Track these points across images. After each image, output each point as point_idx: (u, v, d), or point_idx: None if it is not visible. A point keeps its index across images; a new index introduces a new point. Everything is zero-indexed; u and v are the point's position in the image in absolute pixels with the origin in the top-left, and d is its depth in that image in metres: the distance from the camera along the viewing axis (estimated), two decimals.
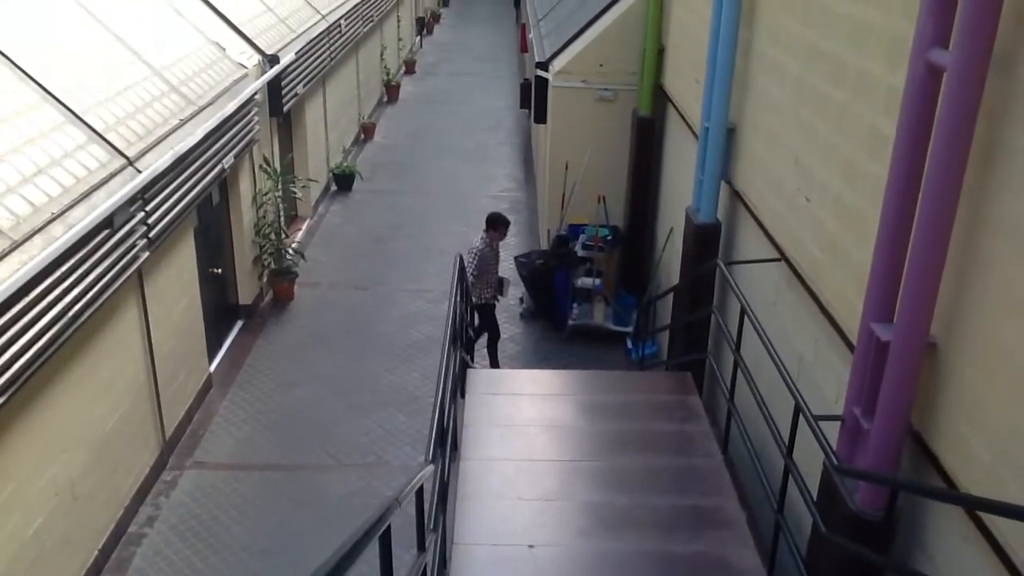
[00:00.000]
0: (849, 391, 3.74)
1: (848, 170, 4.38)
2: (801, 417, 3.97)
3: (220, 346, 9.25)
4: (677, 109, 8.72)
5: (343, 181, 14.28)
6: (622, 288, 10.21)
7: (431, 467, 3.85)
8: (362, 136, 17.07)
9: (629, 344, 9.52)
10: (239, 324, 9.78)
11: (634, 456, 5.28)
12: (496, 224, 8.72)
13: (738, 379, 5.33)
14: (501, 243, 8.99)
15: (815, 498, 3.99)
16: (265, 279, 10.36)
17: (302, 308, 10.48)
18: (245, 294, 9.88)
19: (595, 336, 9.72)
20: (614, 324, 9.74)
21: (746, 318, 5.08)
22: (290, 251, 10.70)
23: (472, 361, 8.21)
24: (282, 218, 10.73)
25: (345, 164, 14.57)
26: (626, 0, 9.90)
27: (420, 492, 3.63)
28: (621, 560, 4.38)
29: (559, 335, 9.83)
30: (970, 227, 3.19)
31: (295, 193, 11.85)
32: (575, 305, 9.79)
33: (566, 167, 10.15)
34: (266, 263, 10.26)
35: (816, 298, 4.73)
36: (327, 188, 14.07)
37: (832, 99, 4.59)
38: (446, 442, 4.42)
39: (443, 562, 4.10)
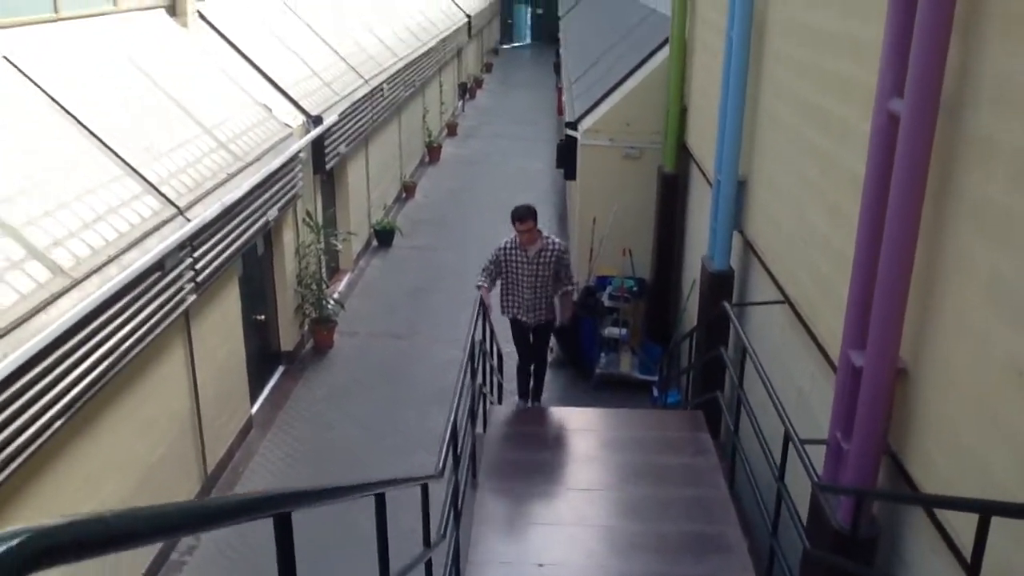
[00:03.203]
0: (832, 415, 4.01)
1: (834, 213, 4.69)
2: (792, 443, 4.23)
3: (262, 389, 9.69)
4: (698, 165, 9.10)
5: (384, 236, 14.83)
6: (648, 338, 10.49)
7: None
8: (403, 194, 17.70)
9: (655, 392, 9.76)
10: (280, 369, 10.23)
11: (645, 487, 5.55)
12: (511, 216, 7.19)
13: (755, 415, 5.60)
14: (539, 248, 7.21)
15: (805, 519, 4.22)
16: (306, 327, 10.84)
17: (341, 355, 10.91)
18: (287, 341, 10.35)
19: (622, 384, 9.98)
20: (640, 373, 10.00)
21: (748, 356, 5.36)
22: (331, 301, 11.18)
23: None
24: (323, 269, 11.25)
25: (386, 220, 15.15)
26: (651, 63, 10.40)
27: (426, 492, 3.96)
28: None
29: (587, 383, 10.11)
30: (930, 261, 3.49)
31: (336, 246, 12.38)
32: (602, 354, 10.08)
33: (593, 221, 10.54)
34: (307, 312, 10.74)
35: (812, 335, 5.00)
36: (368, 243, 14.63)
37: (821, 148, 4.93)
38: (460, 459, 4.75)
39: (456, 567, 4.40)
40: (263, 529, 1.98)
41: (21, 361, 4.79)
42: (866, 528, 3.77)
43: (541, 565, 4.71)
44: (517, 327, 7.57)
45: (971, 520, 2.72)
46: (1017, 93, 2.88)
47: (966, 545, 3.09)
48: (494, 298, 7.40)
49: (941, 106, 3.29)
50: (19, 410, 4.82)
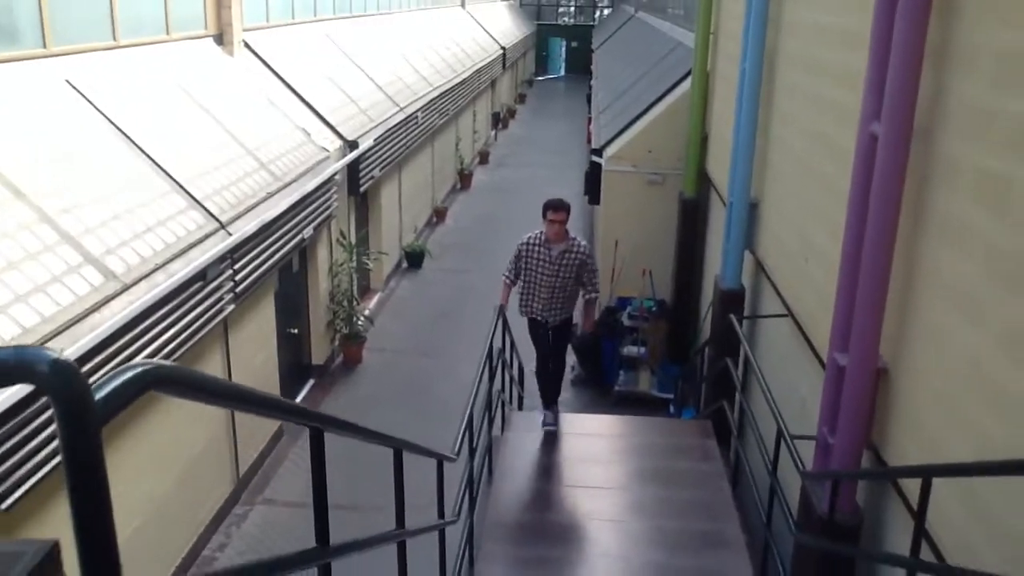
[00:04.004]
0: (820, 413, 4.31)
1: (834, 231, 5.00)
2: (783, 439, 4.54)
3: (293, 399, 10.09)
4: (716, 191, 9.43)
5: (414, 259, 15.28)
6: (667, 358, 10.77)
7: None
8: (434, 219, 18.17)
9: (671, 410, 10.03)
10: (311, 382, 10.64)
11: (652, 488, 5.86)
12: (544, 208, 6.82)
13: (757, 421, 5.90)
14: (567, 247, 6.74)
15: (796, 510, 4.51)
16: (337, 342, 11.26)
17: (369, 371, 11.31)
18: (318, 354, 10.77)
19: (640, 402, 10.26)
20: (658, 391, 10.28)
21: (751, 365, 5.66)
22: (361, 318, 11.61)
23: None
24: (355, 287, 11.69)
25: (416, 243, 15.61)
26: (674, 93, 10.79)
27: (441, 468, 4.33)
28: (631, 568, 4.94)
29: (606, 400, 10.40)
30: (906, 270, 3.80)
31: (368, 265, 12.84)
32: (621, 372, 10.38)
33: (616, 244, 10.90)
34: (338, 328, 11.17)
35: (812, 346, 5.30)
36: (398, 264, 15.08)
37: (821, 170, 5.27)
38: (475, 445, 5.15)
39: (471, 560, 4.75)
40: (290, 531, 2.37)
41: (76, 356, 5.23)
42: (849, 516, 4.06)
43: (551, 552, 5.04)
44: (534, 325, 7.09)
45: (942, 522, 3.02)
46: (977, 119, 3.21)
47: (934, 526, 3.39)
48: (513, 298, 7.16)
49: (915, 129, 3.62)
50: None
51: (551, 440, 6.70)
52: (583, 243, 6.85)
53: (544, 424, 7.01)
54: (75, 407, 0.85)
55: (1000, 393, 2.90)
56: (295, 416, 2.18)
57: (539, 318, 6.95)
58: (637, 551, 5.18)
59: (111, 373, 1.00)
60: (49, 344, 5.19)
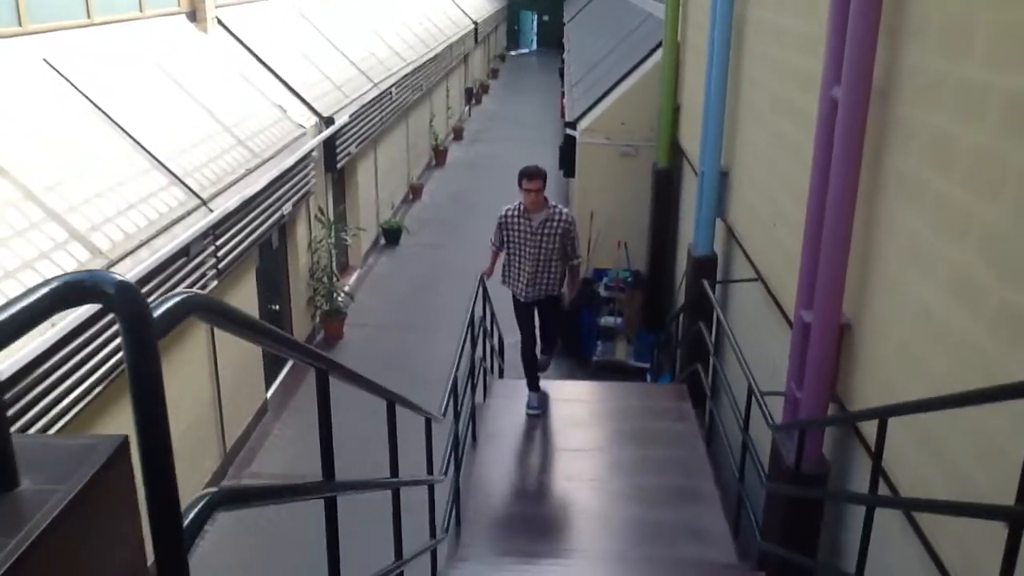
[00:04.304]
0: (788, 369, 4.52)
1: (799, 195, 5.19)
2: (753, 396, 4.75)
3: (276, 375, 10.23)
4: (688, 161, 9.62)
5: (391, 235, 15.39)
6: (643, 327, 11.00)
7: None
8: (410, 196, 18.26)
9: (648, 378, 10.27)
10: None
11: (630, 448, 6.09)
12: (519, 177, 6.53)
13: (730, 383, 6.13)
14: (548, 216, 6.45)
15: (768, 463, 4.73)
16: (317, 318, 11.38)
17: (350, 346, 11.45)
18: (299, 330, 10.89)
19: (618, 371, 10.49)
20: (635, 360, 10.52)
21: (723, 328, 5.88)
22: (341, 294, 11.73)
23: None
24: (334, 263, 11.80)
25: (393, 220, 15.71)
26: (646, 65, 10.94)
27: (429, 427, 4.52)
28: (611, 524, 5.16)
29: (585, 370, 10.62)
30: (867, 228, 4.00)
31: (346, 241, 12.94)
32: (599, 342, 10.60)
33: (591, 216, 11.07)
34: (319, 304, 11.29)
35: (780, 308, 5.51)
36: (376, 241, 15.18)
37: (788, 137, 5.46)
38: (459, 408, 5.37)
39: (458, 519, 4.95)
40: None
41: (65, 332, 5.33)
42: (816, 465, 4.28)
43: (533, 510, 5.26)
44: (517, 304, 6.78)
45: (901, 463, 3.23)
46: (928, 83, 3.40)
47: (894, 471, 3.61)
48: (497, 268, 6.95)
49: (873, 92, 3.81)
50: (64, 376, 5.35)
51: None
52: (564, 210, 6.55)
53: (529, 408, 6.88)
54: (138, 322, 1.01)
55: (946, 334, 3.12)
56: (306, 356, 2.34)
57: (523, 297, 6.65)
58: (616, 507, 5.41)
59: (161, 299, 1.16)
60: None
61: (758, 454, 4.93)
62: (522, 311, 6.78)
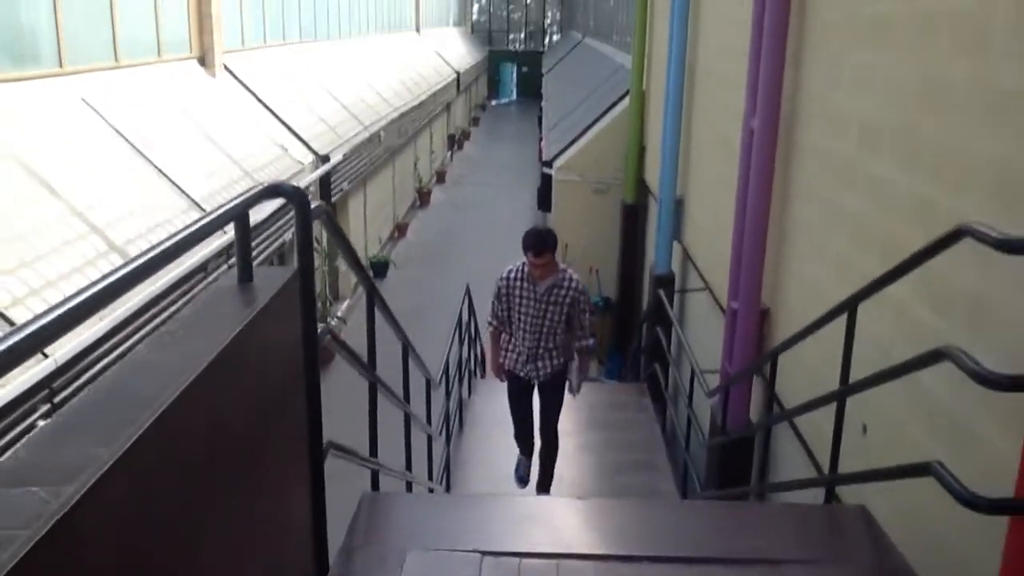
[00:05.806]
0: (722, 349, 5.47)
1: (731, 210, 6.20)
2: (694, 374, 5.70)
3: None
4: (652, 196, 10.65)
5: (378, 268, 16.30)
6: (613, 348, 11.94)
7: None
8: (396, 233, 19.22)
9: None
10: None
11: (596, 433, 7.03)
12: (523, 244, 5.39)
13: (681, 378, 7.07)
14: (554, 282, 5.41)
15: (708, 430, 5.66)
16: None
17: (341, 368, 12.25)
18: None
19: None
20: (606, 378, 11.42)
21: (673, 328, 6.84)
22: (334, 319, 12.60)
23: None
24: (327, 290, 12.68)
25: (381, 254, 16.64)
26: (615, 110, 12.04)
27: (428, 389, 5.44)
28: (581, 490, 6.07)
29: None
30: (780, 234, 4.98)
31: (339, 266, 13.84)
32: None
33: (565, 247, 12.06)
34: None
35: (722, 309, 6.48)
36: None
37: (725, 163, 6.47)
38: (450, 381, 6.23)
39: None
40: None
41: (107, 329, 6.20)
42: (744, 428, 5.21)
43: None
44: (514, 381, 5.78)
45: (810, 426, 4.17)
46: (828, 111, 4.40)
47: (807, 434, 4.54)
48: None
49: (781, 122, 4.82)
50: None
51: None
52: (575, 276, 5.54)
53: (517, 473, 6.04)
54: (305, 211, 1.94)
55: (827, 303, 4.09)
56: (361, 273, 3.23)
57: (521, 374, 5.66)
58: (585, 476, 6.30)
59: (315, 205, 2.10)
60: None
61: (701, 428, 5.86)
62: (518, 392, 5.77)
